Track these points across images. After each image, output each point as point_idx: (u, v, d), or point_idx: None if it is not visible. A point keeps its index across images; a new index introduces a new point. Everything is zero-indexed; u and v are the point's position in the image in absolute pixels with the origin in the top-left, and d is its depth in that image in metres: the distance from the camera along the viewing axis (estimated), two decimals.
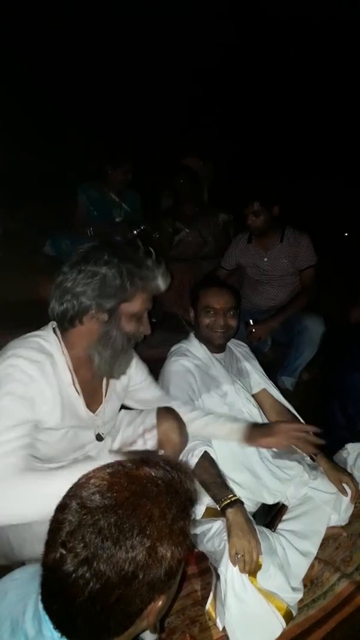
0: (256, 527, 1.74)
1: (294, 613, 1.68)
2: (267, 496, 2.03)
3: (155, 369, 2.28)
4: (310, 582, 1.85)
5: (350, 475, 2.11)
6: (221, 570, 1.63)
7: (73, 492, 0.82)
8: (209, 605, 1.70)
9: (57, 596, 0.78)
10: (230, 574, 1.60)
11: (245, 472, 2.03)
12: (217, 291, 2.27)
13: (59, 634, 0.81)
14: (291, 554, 1.79)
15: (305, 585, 1.79)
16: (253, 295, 3.45)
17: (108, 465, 0.87)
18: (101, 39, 6.01)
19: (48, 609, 0.81)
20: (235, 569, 1.60)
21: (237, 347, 2.47)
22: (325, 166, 6.35)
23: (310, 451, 2.18)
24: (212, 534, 1.78)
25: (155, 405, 1.94)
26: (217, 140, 5.71)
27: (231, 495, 1.74)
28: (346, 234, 5.66)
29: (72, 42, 5.74)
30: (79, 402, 1.64)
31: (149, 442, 1.80)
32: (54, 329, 1.62)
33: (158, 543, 0.78)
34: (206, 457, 1.85)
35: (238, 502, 1.73)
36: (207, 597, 1.74)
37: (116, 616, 0.78)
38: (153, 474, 0.84)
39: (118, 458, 1.70)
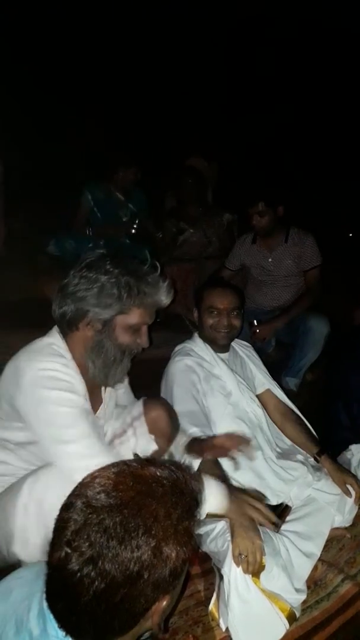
0: (259, 527, 1.73)
1: (298, 614, 1.67)
2: (270, 497, 2.02)
3: (159, 368, 2.29)
4: (313, 583, 1.85)
5: (355, 477, 2.11)
6: (224, 570, 1.62)
7: (78, 491, 0.82)
8: (212, 606, 1.70)
9: (62, 595, 0.78)
10: (233, 574, 1.59)
11: (249, 473, 2.02)
12: (221, 291, 2.26)
13: (64, 633, 0.81)
14: (295, 555, 1.79)
15: (308, 587, 1.79)
16: (257, 295, 3.44)
17: (113, 465, 0.87)
18: (104, 38, 6.01)
19: (53, 607, 0.81)
20: (239, 570, 1.59)
21: (242, 348, 2.47)
22: (329, 166, 6.34)
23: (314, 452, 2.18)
24: (215, 535, 1.77)
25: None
26: (222, 140, 5.70)
27: None
28: (350, 235, 5.65)
29: (73, 39, 5.74)
30: (87, 404, 1.65)
31: (138, 430, 1.80)
32: (59, 333, 1.64)
33: (163, 543, 0.78)
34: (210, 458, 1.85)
35: None
36: (211, 598, 1.73)
37: (121, 616, 0.78)
38: (158, 473, 0.84)
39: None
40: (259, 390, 2.38)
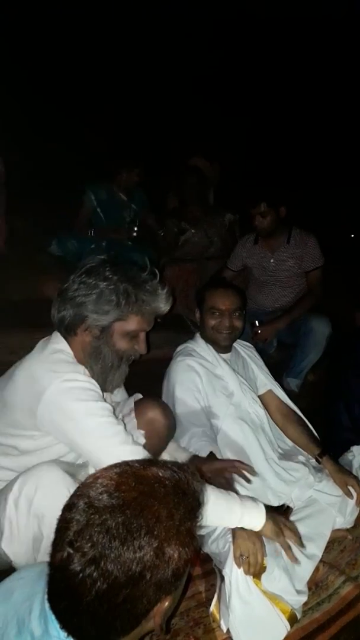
0: None
1: (299, 616, 1.67)
2: (272, 498, 2.02)
3: (160, 368, 2.28)
4: (315, 585, 1.84)
5: (356, 478, 2.10)
6: (226, 572, 1.62)
7: (81, 492, 0.82)
8: (213, 607, 1.69)
9: (63, 596, 0.78)
10: (234, 575, 1.59)
11: None
12: (222, 292, 2.26)
13: (65, 634, 0.81)
14: (296, 556, 1.78)
15: (309, 588, 1.78)
16: (259, 296, 3.43)
17: (115, 465, 0.86)
18: (104, 37, 6.00)
19: (54, 608, 0.81)
20: (240, 571, 1.59)
21: (244, 348, 2.47)
22: (331, 167, 6.33)
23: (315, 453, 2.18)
24: (216, 536, 1.77)
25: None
26: (223, 140, 5.70)
27: None
28: (352, 235, 5.64)
29: (73, 39, 5.73)
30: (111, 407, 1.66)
31: (128, 426, 1.78)
32: (63, 338, 1.65)
33: (165, 543, 0.78)
34: (212, 458, 1.84)
35: None
36: (212, 599, 1.72)
37: (123, 616, 0.77)
38: (160, 474, 0.84)
39: None
40: (261, 391, 2.38)
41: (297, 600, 1.68)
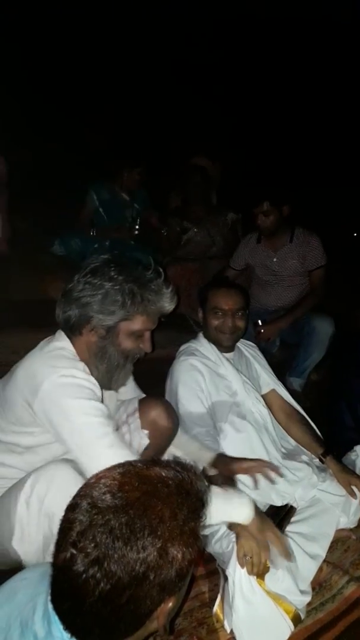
0: None
1: (303, 616, 1.66)
2: (275, 498, 2.01)
3: (163, 368, 2.28)
4: (318, 585, 1.83)
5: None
6: (229, 572, 1.61)
7: (84, 492, 0.82)
8: (216, 607, 1.69)
9: (67, 596, 0.78)
10: (238, 575, 1.58)
11: None
12: (225, 292, 2.25)
13: (69, 635, 0.80)
14: (300, 556, 1.77)
15: (313, 588, 1.78)
16: (262, 295, 3.43)
17: (118, 465, 0.86)
18: (104, 37, 6.00)
19: (58, 609, 0.80)
20: (244, 571, 1.58)
21: (247, 348, 2.46)
22: (334, 166, 6.32)
23: (319, 453, 2.18)
24: (220, 535, 1.76)
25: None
26: (225, 140, 5.70)
27: None
28: (355, 234, 5.63)
29: (73, 39, 5.73)
30: (106, 409, 1.65)
31: (132, 426, 1.80)
32: (67, 337, 1.65)
33: (169, 544, 0.77)
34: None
35: None
36: (215, 599, 1.72)
37: (126, 617, 0.77)
38: (164, 474, 0.84)
39: None
40: (264, 390, 2.37)
41: (301, 600, 1.67)
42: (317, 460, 2.20)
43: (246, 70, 6.56)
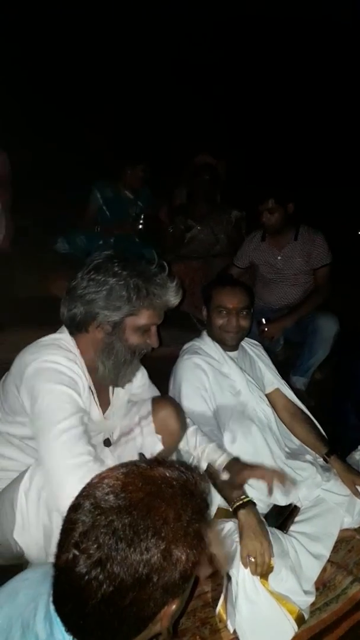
0: (268, 528, 1.71)
1: (306, 617, 1.65)
2: (279, 497, 2.00)
3: (166, 366, 2.27)
4: (322, 585, 1.83)
5: None
6: (232, 572, 1.61)
7: (86, 492, 0.80)
8: (219, 607, 1.68)
9: (69, 598, 0.77)
10: (241, 576, 1.58)
11: None
12: (230, 290, 2.23)
13: (71, 637, 0.79)
14: (303, 556, 1.77)
15: (317, 589, 1.77)
16: (266, 293, 3.41)
17: (122, 465, 0.85)
18: (104, 37, 6.00)
19: (60, 611, 0.79)
20: (247, 571, 1.58)
21: (251, 346, 2.45)
22: (337, 165, 6.29)
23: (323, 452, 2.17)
24: (223, 535, 1.75)
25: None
26: (228, 138, 5.69)
27: (243, 497, 1.72)
28: None
29: (73, 39, 5.73)
30: (93, 404, 1.64)
31: (145, 429, 1.79)
32: (69, 332, 1.64)
33: (173, 545, 0.76)
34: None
35: (250, 504, 1.71)
36: (218, 599, 1.72)
37: (129, 620, 0.76)
38: (168, 474, 0.82)
39: (115, 451, 1.73)
40: (268, 390, 2.36)
41: (305, 600, 1.67)
42: (321, 459, 2.19)
43: (248, 68, 6.54)
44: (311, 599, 1.69)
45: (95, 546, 0.74)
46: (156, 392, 1.99)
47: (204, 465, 1.78)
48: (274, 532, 1.75)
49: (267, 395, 2.31)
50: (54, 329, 1.68)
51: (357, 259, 4.38)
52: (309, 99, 6.72)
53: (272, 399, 2.33)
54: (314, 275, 3.27)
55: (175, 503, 0.79)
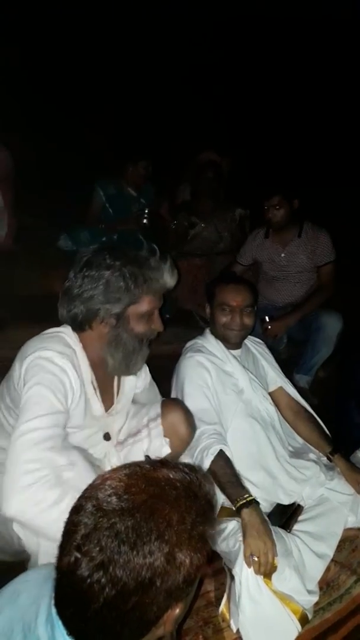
0: (271, 527, 1.70)
1: (310, 616, 1.64)
2: (282, 496, 1.99)
3: (169, 365, 2.26)
4: (326, 584, 1.82)
5: None
6: (236, 571, 1.60)
7: (89, 494, 0.79)
8: (222, 607, 1.68)
9: (71, 601, 0.76)
10: (245, 575, 1.57)
11: (261, 472, 1.99)
12: (233, 288, 2.21)
13: None
14: (307, 556, 1.76)
15: (320, 588, 1.76)
16: (269, 291, 3.40)
17: (125, 466, 0.84)
18: (106, 34, 5.99)
19: (61, 614, 0.78)
20: (250, 571, 1.58)
21: (254, 344, 2.43)
22: (342, 163, 6.26)
23: (327, 451, 2.16)
24: (226, 534, 1.75)
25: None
26: (232, 136, 5.67)
27: (247, 495, 1.71)
28: None
29: (75, 35, 5.71)
30: (95, 399, 1.63)
31: (152, 432, 1.78)
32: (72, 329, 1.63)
33: (177, 549, 0.75)
34: (222, 456, 1.82)
35: (254, 502, 1.70)
36: (221, 598, 1.71)
37: (132, 624, 0.74)
38: (171, 476, 0.81)
39: (121, 451, 1.72)
40: (272, 388, 2.34)
41: (308, 600, 1.66)
42: (325, 458, 2.18)
43: (251, 66, 6.51)
44: (315, 598, 1.68)
45: (97, 549, 0.73)
46: (156, 392, 1.99)
47: (206, 465, 1.77)
48: (277, 531, 1.74)
49: (270, 394, 2.30)
50: (56, 327, 1.67)
51: None
52: (312, 96, 6.69)
53: (275, 397, 2.32)
54: (317, 272, 3.25)
55: (179, 505, 0.77)
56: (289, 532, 1.84)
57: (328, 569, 1.82)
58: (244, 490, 1.75)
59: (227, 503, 1.80)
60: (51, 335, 1.59)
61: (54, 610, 0.80)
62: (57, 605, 0.79)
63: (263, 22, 6.26)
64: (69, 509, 1.30)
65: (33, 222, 4.15)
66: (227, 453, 1.85)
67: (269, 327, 3.12)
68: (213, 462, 1.79)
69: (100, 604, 0.72)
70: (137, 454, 1.74)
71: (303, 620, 1.60)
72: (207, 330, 2.32)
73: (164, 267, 1.64)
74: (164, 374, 2.25)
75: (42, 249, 3.83)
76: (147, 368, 1.94)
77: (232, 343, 2.23)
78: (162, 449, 1.74)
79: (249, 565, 1.58)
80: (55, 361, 1.48)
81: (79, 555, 0.73)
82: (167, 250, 1.73)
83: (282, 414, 2.31)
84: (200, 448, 1.85)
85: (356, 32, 6.04)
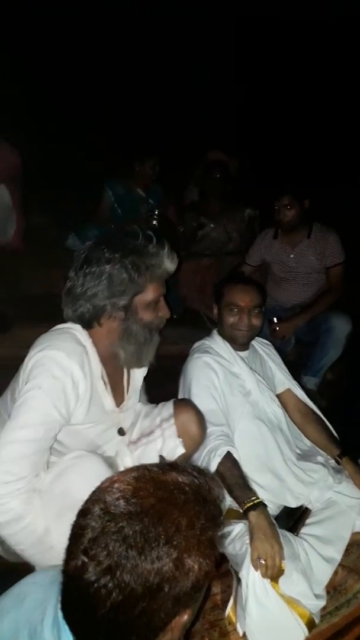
0: (279, 530, 1.69)
1: (317, 621, 1.63)
2: (290, 499, 1.98)
3: (176, 366, 2.25)
4: (333, 589, 1.80)
5: None
6: (242, 574, 1.59)
7: (96, 497, 0.78)
8: (229, 610, 1.66)
9: (77, 606, 0.75)
10: (251, 578, 1.56)
11: (268, 474, 1.98)
12: (242, 288, 2.20)
13: None
14: (314, 559, 1.74)
15: (328, 592, 1.75)
16: (277, 292, 3.38)
17: (133, 469, 0.82)
18: (113, 33, 5.99)
19: (68, 618, 0.77)
20: (257, 574, 1.56)
21: (261, 346, 2.41)
22: (351, 162, 6.22)
23: (335, 454, 2.14)
24: (233, 537, 1.74)
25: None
26: (241, 135, 5.65)
27: (254, 498, 1.70)
28: None
29: (80, 35, 5.71)
30: (106, 395, 1.63)
31: (166, 432, 1.78)
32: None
33: (185, 554, 0.73)
34: (229, 458, 1.81)
35: (261, 505, 1.69)
36: (227, 601, 1.70)
37: (139, 630, 0.73)
38: (180, 479, 0.80)
39: (134, 451, 1.72)
40: (279, 390, 2.32)
41: (315, 604, 1.64)
42: (333, 461, 2.16)
43: (258, 65, 6.49)
44: (322, 602, 1.67)
45: (104, 553, 0.72)
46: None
47: (213, 467, 1.76)
48: (284, 535, 1.73)
49: (278, 396, 2.28)
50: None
51: None
52: (321, 96, 6.65)
53: (283, 399, 2.30)
54: (326, 274, 3.23)
55: (188, 510, 0.76)
56: (297, 535, 1.82)
57: (335, 573, 1.80)
58: (251, 492, 1.73)
59: (234, 505, 1.78)
60: (62, 331, 1.58)
61: (60, 614, 0.79)
62: (64, 609, 0.78)
63: (268, 21, 6.23)
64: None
65: (41, 221, 4.15)
66: (235, 455, 1.84)
67: (277, 328, 3.10)
68: (220, 463, 1.78)
69: (107, 609, 0.71)
70: (151, 454, 1.74)
71: (310, 624, 1.59)
72: (215, 331, 2.30)
73: (162, 252, 1.62)
74: (171, 375, 2.24)
75: (50, 248, 3.83)
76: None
77: (240, 344, 2.22)
78: (176, 449, 1.74)
79: (256, 568, 1.57)
80: (62, 363, 1.47)
81: (85, 559, 0.72)
82: (176, 252, 1.71)
83: (290, 416, 2.29)
84: (207, 449, 1.84)
85: None
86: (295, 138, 6.44)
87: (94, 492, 0.80)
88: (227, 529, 1.76)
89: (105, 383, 1.63)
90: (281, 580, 1.59)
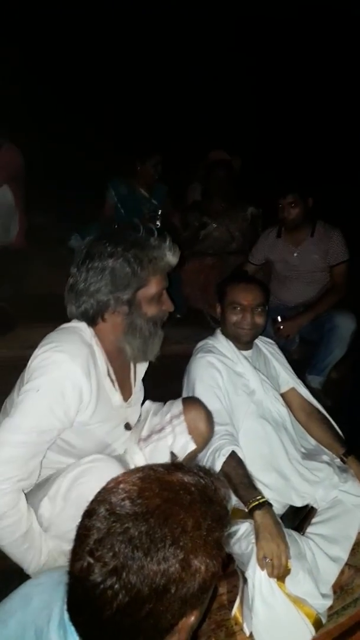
0: (285, 530, 1.68)
1: (324, 620, 1.62)
2: (295, 498, 1.97)
3: (179, 365, 2.24)
4: (340, 588, 1.80)
5: None
6: (249, 574, 1.58)
7: (102, 497, 0.77)
8: (235, 610, 1.66)
9: (83, 607, 0.74)
10: (258, 578, 1.55)
11: (273, 474, 1.97)
12: (245, 287, 2.19)
13: None
14: (321, 559, 1.73)
15: (334, 592, 1.74)
16: (281, 291, 3.37)
17: (138, 469, 0.82)
18: (115, 33, 5.99)
19: (74, 620, 0.77)
20: (264, 573, 1.56)
21: (265, 345, 2.40)
22: (355, 160, 6.21)
23: (340, 453, 2.13)
24: (239, 536, 1.73)
25: None
26: (243, 134, 5.64)
27: (259, 497, 1.69)
28: None
29: (81, 35, 5.72)
30: (114, 391, 1.63)
31: (177, 429, 1.77)
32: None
33: (192, 555, 0.72)
34: (234, 457, 1.80)
35: (267, 504, 1.68)
36: (233, 601, 1.69)
37: (146, 632, 0.73)
38: (186, 480, 0.79)
39: (145, 448, 1.72)
40: (283, 389, 2.32)
41: (322, 604, 1.63)
42: (339, 460, 2.15)
43: (260, 64, 6.48)
44: (329, 602, 1.66)
45: (110, 554, 0.71)
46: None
47: (218, 466, 1.75)
48: (290, 534, 1.72)
49: (282, 395, 2.27)
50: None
51: None
52: (322, 95, 6.64)
53: (287, 398, 2.29)
54: (330, 272, 3.22)
55: (194, 510, 0.75)
56: (303, 534, 1.82)
57: (342, 572, 1.79)
58: (257, 491, 1.73)
59: (240, 505, 1.77)
60: (68, 331, 1.57)
61: (66, 616, 0.78)
62: (70, 610, 0.77)
63: (269, 21, 6.23)
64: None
65: (44, 221, 4.16)
66: (239, 454, 1.83)
67: (281, 327, 3.09)
68: (225, 463, 1.77)
69: (113, 610, 0.70)
70: (162, 451, 1.73)
71: (317, 624, 1.58)
72: (218, 331, 2.30)
73: (164, 245, 1.61)
74: (175, 374, 2.24)
75: (53, 248, 3.83)
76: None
77: (243, 343, 2.21)
78: (187, 445, 1.72)
79: (262, 567, 1.56)
80: (64, 366, 1.45)
81: (91, 561, 0.72)
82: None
83: (295, 415, 2.28)
84: (212, 449, 1.83)
85: None
86: (296, 137, 6.44)
87: (99, 493, 0.80)
88: (233, 529, 1.75)
89: (112, 380, 1.63)
90: (287, 579, 1.58)
